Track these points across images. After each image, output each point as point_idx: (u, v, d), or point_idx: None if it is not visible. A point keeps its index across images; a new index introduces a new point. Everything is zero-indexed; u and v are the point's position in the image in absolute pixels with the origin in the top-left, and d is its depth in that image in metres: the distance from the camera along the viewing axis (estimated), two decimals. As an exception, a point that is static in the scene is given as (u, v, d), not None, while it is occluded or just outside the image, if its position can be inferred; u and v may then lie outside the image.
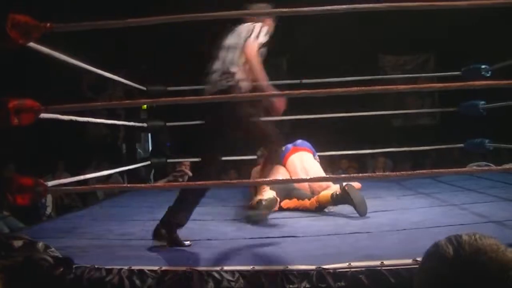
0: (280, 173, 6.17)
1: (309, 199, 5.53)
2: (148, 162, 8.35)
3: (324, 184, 5.99)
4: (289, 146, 6.45)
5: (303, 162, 6.21)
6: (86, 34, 5.43)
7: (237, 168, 10.31)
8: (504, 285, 1.20)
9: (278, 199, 5.63)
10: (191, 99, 4.30)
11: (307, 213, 5.46)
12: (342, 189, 5.22)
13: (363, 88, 4.10)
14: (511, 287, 1.19)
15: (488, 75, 7.32)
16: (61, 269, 3.28)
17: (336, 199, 5.29)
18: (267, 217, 5.01)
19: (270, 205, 5.04)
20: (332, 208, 5.43)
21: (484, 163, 8.14)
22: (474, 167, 7.98)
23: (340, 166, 9.61)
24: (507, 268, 1.21)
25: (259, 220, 4.89)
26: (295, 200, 5.66)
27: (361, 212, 5.07)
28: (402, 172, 4.64)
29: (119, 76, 6.80)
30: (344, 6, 3.93)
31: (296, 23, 8.68)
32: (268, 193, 5.54)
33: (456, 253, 1.25)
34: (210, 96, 4.33)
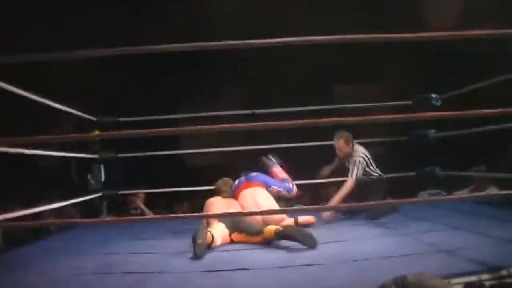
0: (232, 205, 6.18)
1: (258, 233, 5.49)
2: (100, 194, 8.27)
3: (277, 217, 6.01)
4: (242, 179, 6.48)
5: (255, 197, 6.23)
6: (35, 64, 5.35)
7: (190, 199, 10.27)
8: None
9: (228, 231, 5.63)
10: (142, 132, 4.25)
11: (259, 244, 5.43)
12: (282, 231, 5.24)
13: (311, 120, 4.14)
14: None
15: (438, 104, 7.43)
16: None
17: (280, 236, 5.28)
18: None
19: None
20: None
21: (436, 191, 8.22)
22: (426, 195, 8.06)
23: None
24: (453, 309, 1.21)
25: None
26: (244, 235, 5.63)
27: (309, 245, 5.06)
28: (352, 204, 4.67)
29: (69, 107, 6.74)
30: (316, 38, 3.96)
31: (248, 52, 8.73)
32: (216, 226, 5.56)
33: (402, 295, 1.25)
34: (161, 129, 4.30)
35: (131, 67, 10.09)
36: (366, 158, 7.03)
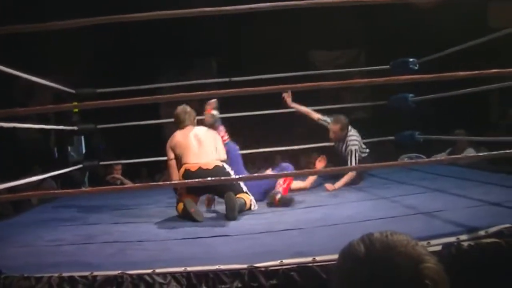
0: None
1: None
2: (80, 166, 8.25)
3: None
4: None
5: None
6: (14, 38, 5.28)
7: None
8: (414, 279, 1.21)
9: None
10: (119, 101, 4.23)
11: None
12: None
13: (289, 86, 4.14)
14: (421, 280, 1.21)
15: (416, 68, 7.43)
16: (-12, 280, 3.21)
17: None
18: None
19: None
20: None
21: (415, 154, 8.27)
22: (406, 159, 8.11)
23: (274, 162, 9.60)
24: (416, 262, 1.23)
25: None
26: None
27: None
28: (333, 168, 4.69)
29: (48, 80, 6.69)
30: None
31: (225, 22, 8.67)
32: None
33: (368, 251, 1.27)
34: (138, 98, 4.30)
35: (108, 38, 10.05)
36: (358, 144, 6.94)
